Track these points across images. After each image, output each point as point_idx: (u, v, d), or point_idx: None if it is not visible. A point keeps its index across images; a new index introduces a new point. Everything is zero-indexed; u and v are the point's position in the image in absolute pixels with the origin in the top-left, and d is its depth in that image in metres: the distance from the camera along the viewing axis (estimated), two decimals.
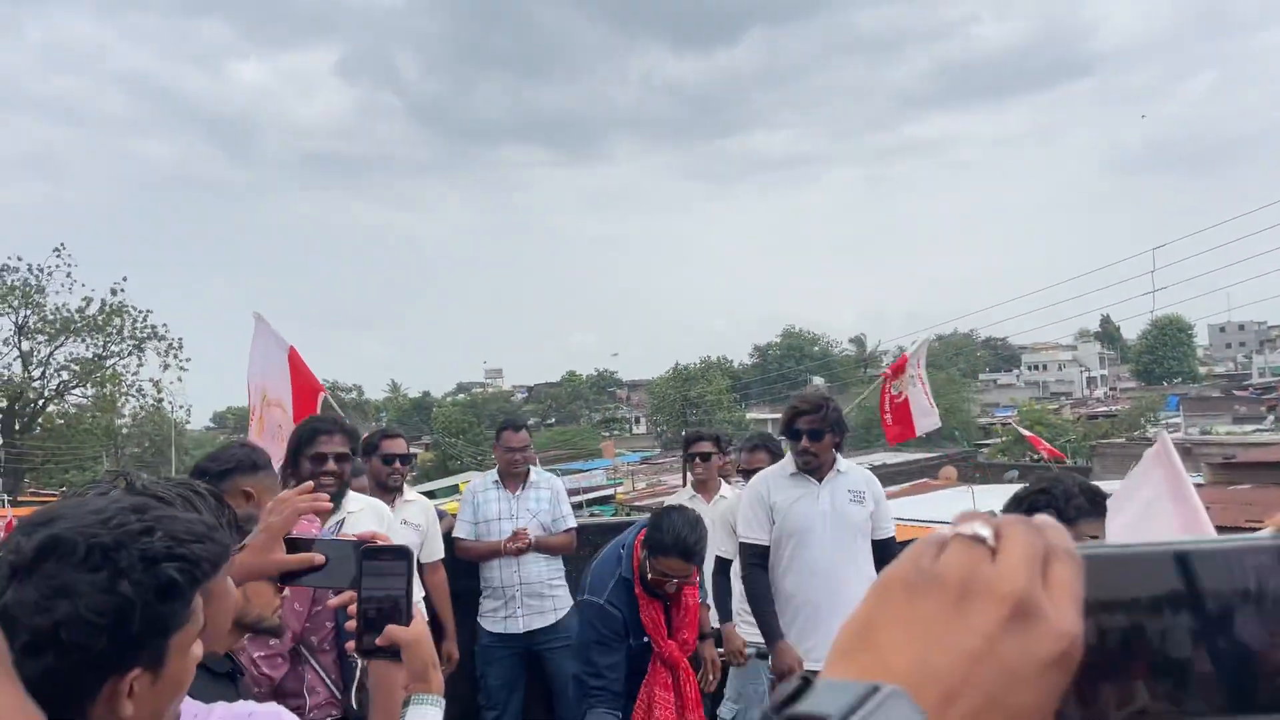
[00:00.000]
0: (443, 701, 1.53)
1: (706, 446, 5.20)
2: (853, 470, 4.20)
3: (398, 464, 4.64)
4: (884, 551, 4.10)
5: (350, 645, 1.56)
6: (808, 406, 4.07)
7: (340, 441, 3.34)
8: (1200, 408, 51.08)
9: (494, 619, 4.90)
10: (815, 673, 0.46)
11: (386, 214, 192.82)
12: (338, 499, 3.28)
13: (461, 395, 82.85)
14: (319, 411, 5.46)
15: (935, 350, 77.15)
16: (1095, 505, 2.61)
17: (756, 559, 4.07)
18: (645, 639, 3.59)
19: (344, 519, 3.34)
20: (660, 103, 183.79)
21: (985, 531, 0.48)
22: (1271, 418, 44.64)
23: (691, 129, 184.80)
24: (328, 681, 2.55)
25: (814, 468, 4.04)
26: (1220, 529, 12.57)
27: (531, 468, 5.16)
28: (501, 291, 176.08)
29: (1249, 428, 39.70)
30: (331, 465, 3.29)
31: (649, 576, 3.49)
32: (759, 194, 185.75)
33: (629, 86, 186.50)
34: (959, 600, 0.46)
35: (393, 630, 1.51)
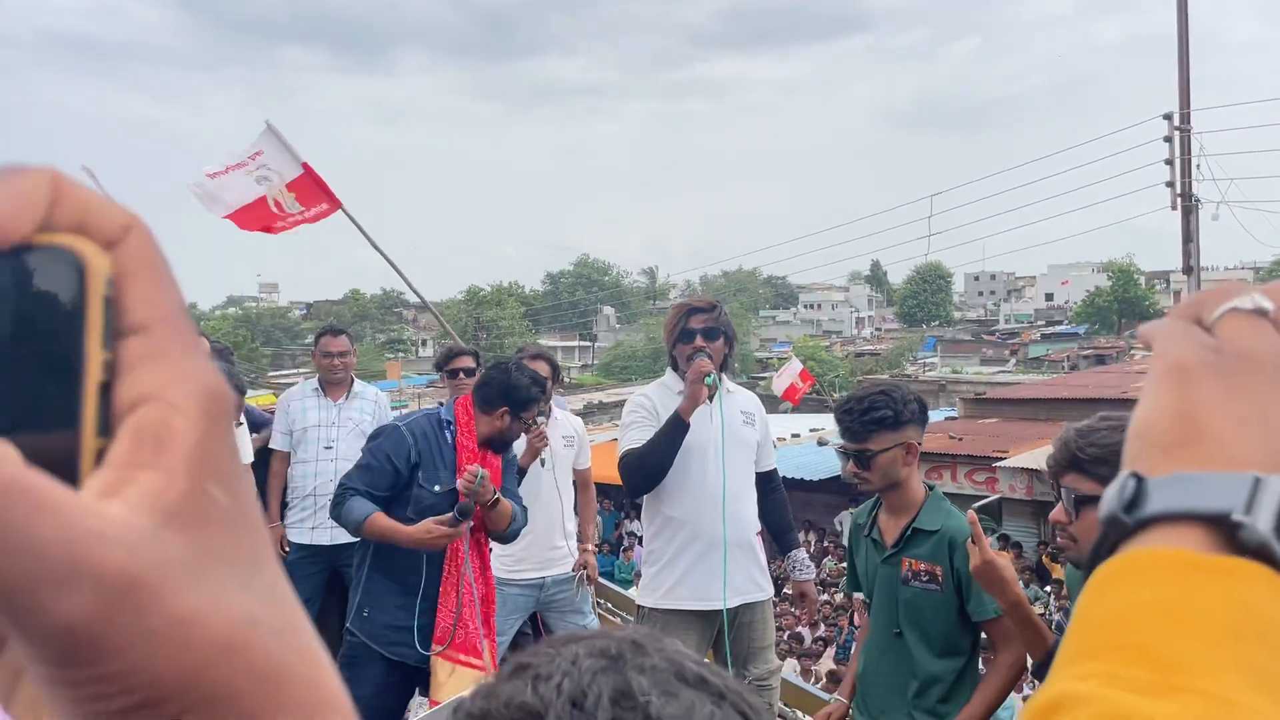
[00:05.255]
0: None
1: (468, 361, 4.80)
2: (740, 391, 3.80)
3: None
4: (768, 485, 3.78)
5: None
6: (702, 304, 3.60)
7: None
8: (953, 349, 55.59)
9: (300, 529, 4.61)
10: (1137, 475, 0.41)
11: (144, 107, 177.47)
12: None
13: (232, 309, 78.14)
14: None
15: (720, 286, 79.64)
16: (922, 415, 2.75)
17: None
18: (440, 488, 3.37)
19: None
20: (452, 16, 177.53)
21: (1268, 303, 0.44)
22: (1014, 360, 49.13)
23: (484, 48, 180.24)
24: None
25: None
26: (971, 458, 13.56)
27: (355, 378, 4.91)
28: None
29: (995, 369, 43.69)
30: None
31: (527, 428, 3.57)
32: (552, 120, 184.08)
33: None
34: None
35: None
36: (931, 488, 2.81)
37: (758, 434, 3.71)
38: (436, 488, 3.35)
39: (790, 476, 14.76)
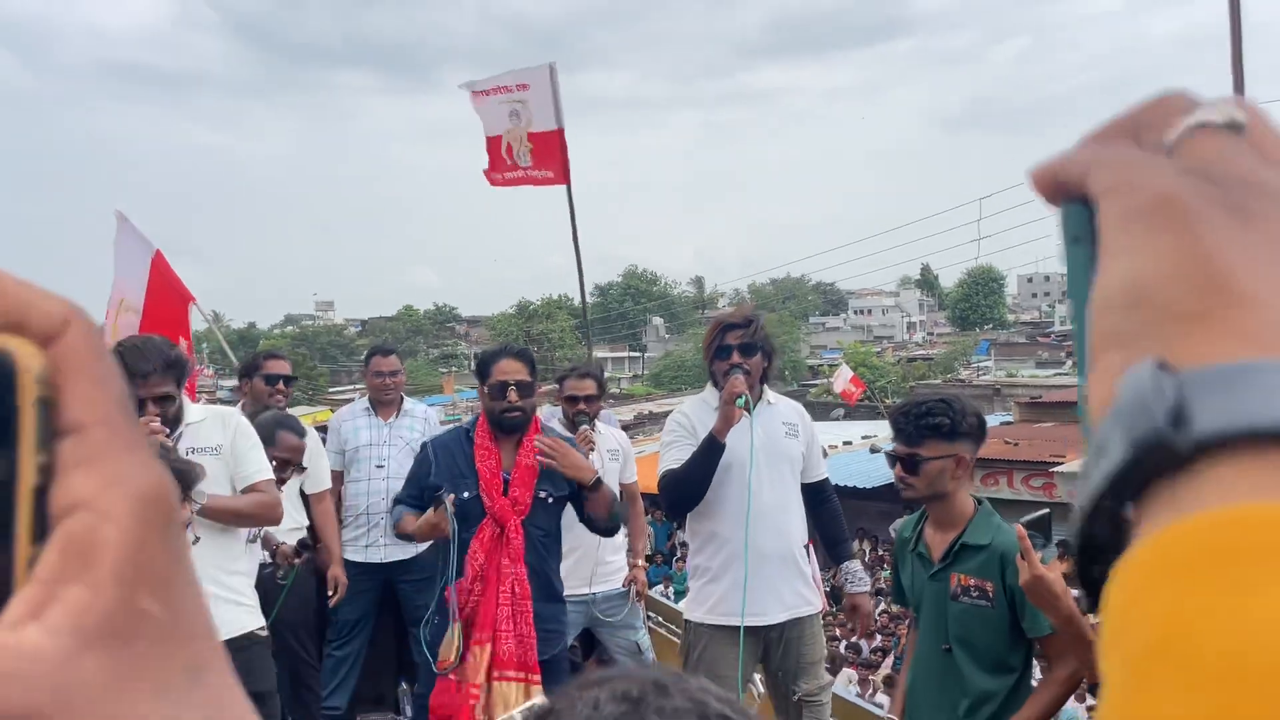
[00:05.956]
0: None
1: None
2: (782, 401, 3.76)
3: (281, 385, 4.43)
4: (819, 495, 3.73)
5: None
6: (737, 319, 3.55)
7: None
8: (1008, 352, 54.75)
9: (354, 547, 4.68)
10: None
11: (204, 134, 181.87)
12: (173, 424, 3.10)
13: (290, 327, 79.57)
14: (191, 325, 5.66)
15: (769, 293, 79.38)
16: (980, 430, 2.69)
17: None
18: (469, 494, 3.44)
19: (181, 432, 3.19)
20: (499, 35, 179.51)
21: (1241, 115, 0.31)
22: (1070, 362, 48.22)
23: (530, 64, 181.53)
24: None
25: (748, 387, 3.41)
26: (1028, 464, 13.27)
27: (405, 396, 5.00)
28: (332, 221, 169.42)
29: (1050, 371, 42.94)
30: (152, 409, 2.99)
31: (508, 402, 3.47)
32: (598, 133, 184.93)
33: (466, 16, 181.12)
34: None
35: None
36: (980, 502, 2.75)
37: (801, 445, 3.67)
38: (465, 494, 3.47)
39: (842, 484, 14.60)
